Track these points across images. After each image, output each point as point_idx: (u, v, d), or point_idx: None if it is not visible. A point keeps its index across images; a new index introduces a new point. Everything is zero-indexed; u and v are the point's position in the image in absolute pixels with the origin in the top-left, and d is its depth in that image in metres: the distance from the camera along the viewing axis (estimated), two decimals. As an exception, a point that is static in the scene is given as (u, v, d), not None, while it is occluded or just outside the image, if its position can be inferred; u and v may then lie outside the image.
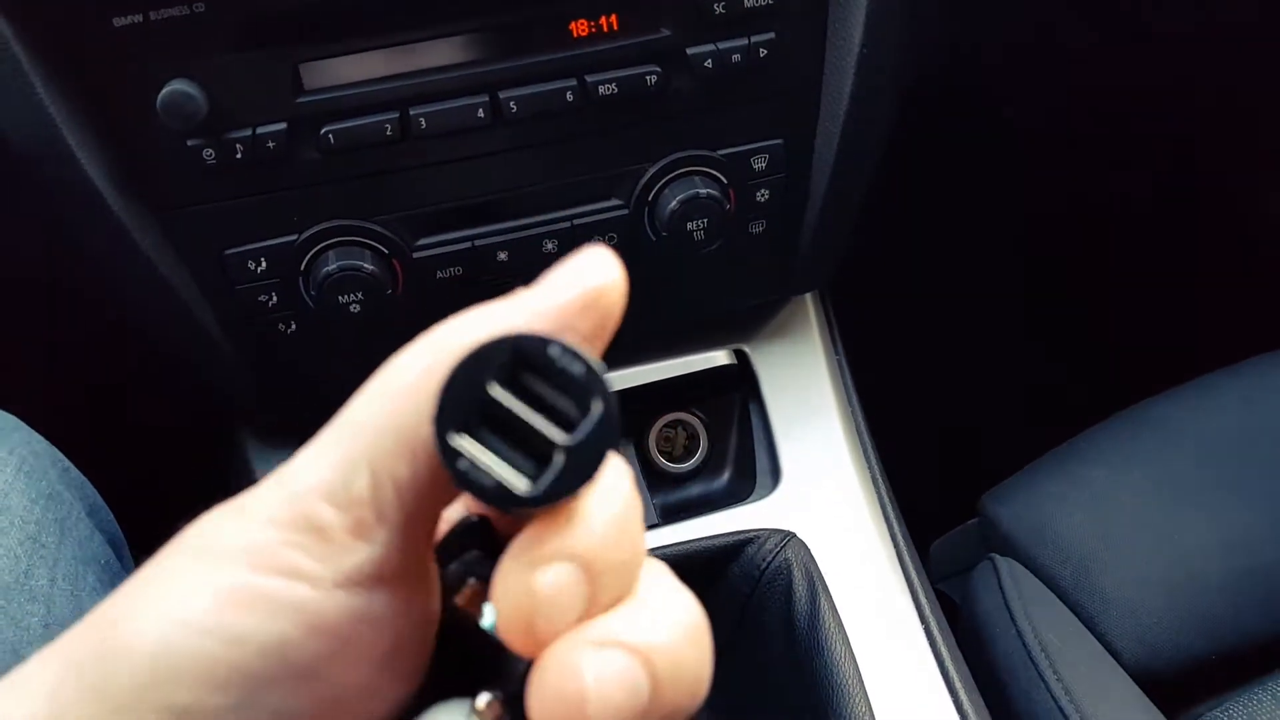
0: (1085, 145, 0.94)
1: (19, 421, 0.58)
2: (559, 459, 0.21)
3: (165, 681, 0.22)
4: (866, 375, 0.73)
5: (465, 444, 0.21)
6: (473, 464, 0.21)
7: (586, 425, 0.21)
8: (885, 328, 0.95)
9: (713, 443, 0.73)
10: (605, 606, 0.22)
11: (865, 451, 0.69)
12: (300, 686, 0.22)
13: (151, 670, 0.22)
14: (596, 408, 0.21)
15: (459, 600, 0.25)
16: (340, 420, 0.23)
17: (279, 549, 0.22)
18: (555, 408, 0.21)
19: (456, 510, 0.26)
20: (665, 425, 0.73)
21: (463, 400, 0.21)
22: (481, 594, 0.24)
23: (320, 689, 0.23)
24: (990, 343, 1.03)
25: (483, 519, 0.26)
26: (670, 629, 0.22)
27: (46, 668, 0.23)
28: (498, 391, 0.21)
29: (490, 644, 0.23)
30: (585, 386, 0.21)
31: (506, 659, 0.23)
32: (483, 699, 0.24)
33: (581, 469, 0.21)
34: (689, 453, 0.73)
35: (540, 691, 0.21)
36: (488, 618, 0.23)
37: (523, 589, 0.21)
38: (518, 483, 0.21)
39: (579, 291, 0.24)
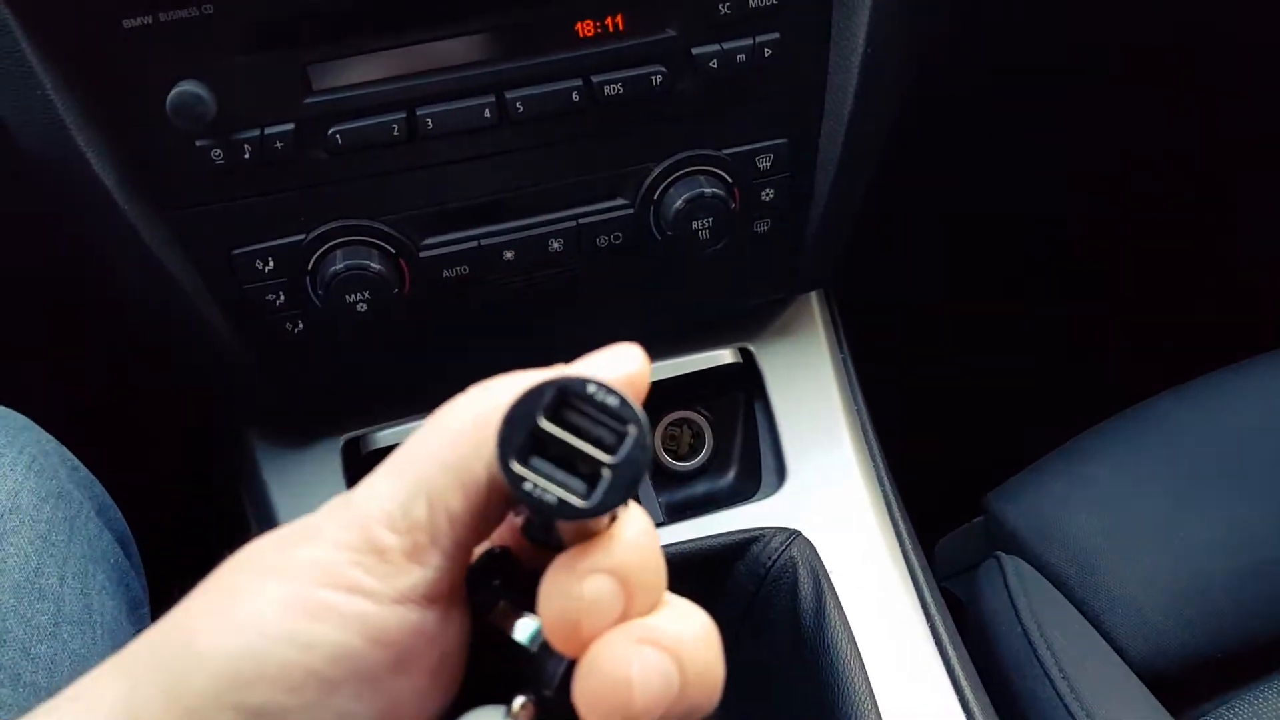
0: (1089, 144, 0.94)
1: (28, 420, 0.59)
2: (606, 474, 0.25)
3: (243, 684, 0.24)
4: (871, 372, 0.73)
5: (525, 471, 0.25)
6: (534, 484, 0.24)
7: (626, 445, 0.25)
8: (890, 325, 0.95)
9: (718, 441, 0.74)
10: (638, 615, 0.25)
11: (870, 449, 0.69)
12: (363, 691, 0.25)
13: (230, 674, 0.24)
14: (632, 430, 0.25)
15: (492, 619, 0.28)
16: (400, 455, 0.27)
17: (344, 567, 0.25)
18: (596, 435, 0.25)
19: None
20: (671, 424, 0.74)
21: (519, 434, 0.25)
22: (511, 613, 0.28)
23: (379, 695, 0.25)
24: (995, 340, 1.03)
25: (504, 550, 0.29)
26: (694, 633, 0.25)
27: (115, 678, 0.25)
28: (547, 425, 0.25)
29: (519, 656, 0.27)
30: (620, 415, 0.25)
31: (534, 668, 0.27)
32: (518, 701, 0.27)
33: (626, 482, 0.25)
34: (694, 451, 0.74)
35: (590, 680, 0.24)
36: (520, 632, 0.27)
37: (570, 595, 0.24)
38: (576, 499, 0.24)
39: (617, 375, 0.27)
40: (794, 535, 0.63)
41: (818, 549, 0.62)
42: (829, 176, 0.64)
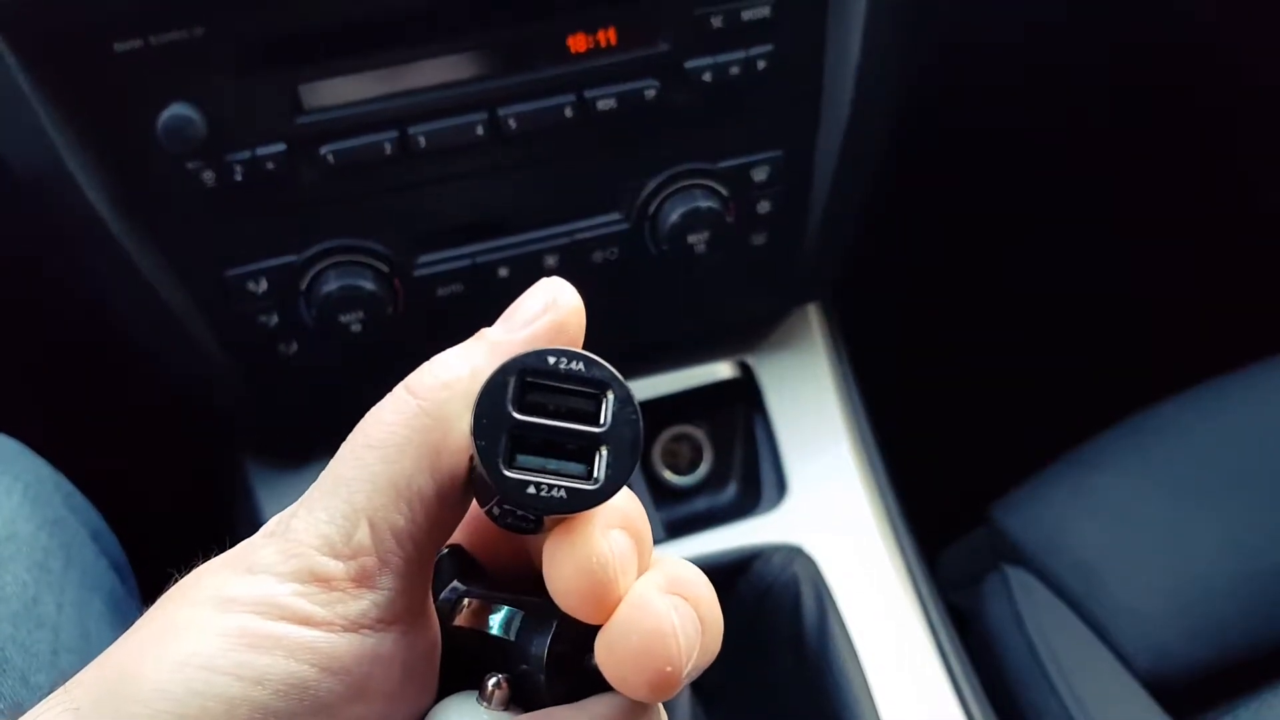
0: (1087, 146, 0.94)
1: (23, 447, 0.58)
2: (605, 449, 0.23)
3: None
4: (872, 382, 0.73)
5: (520, 474, 0.23)
6: (536, 486, 0.23)
7: (609, 410, 0.23)
8: (890, 334, 0.95)
9: (718, 456, 0.73)
10: (643, 571, 0.24)
11: (871, 461, 0.68)
12: None
13: (175, 714, 0.23)
14: (612, 392, 0.23)
15: (460, 621, 0.27)
16: (331, 476, 0.25)
17: (288, 599, 0.24)
18: (572, 407, 0.23)
19: None
20: (669, 439, 0.73)
21: (498, 439, 0.23)
22: (482, 610, 0.26)
23: None
24: (997, 347, 1.02)
25: (453, 548, 0.28)
26: (705, 584, 0.25)
27: (62, 716, 0.24)
28: (523, 418, 0.23)
29: (498, 649, 0.26)
30: (594, 378, 0.23)
31: (515, 655, 0.25)
32: (491, 681, 0.25)
33: (627, 448, 0.23)
34: (693, 466, 0.73)
35: (629, 637, 0.23)
36: (495, 624, 0.26)
37: (596, 555, 0.23)
38: (584, 485, 0.23)
39: (546, 322, 0.25)
40: (796, 552, 0.62)
41: (820, 565, 0.62)
42: (826, 188, 0.63)
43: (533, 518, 0.25)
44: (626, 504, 0.24)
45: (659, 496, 0.73)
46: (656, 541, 0.65)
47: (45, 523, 0.55)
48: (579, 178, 0.59)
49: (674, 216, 0.59)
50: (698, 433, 0.73)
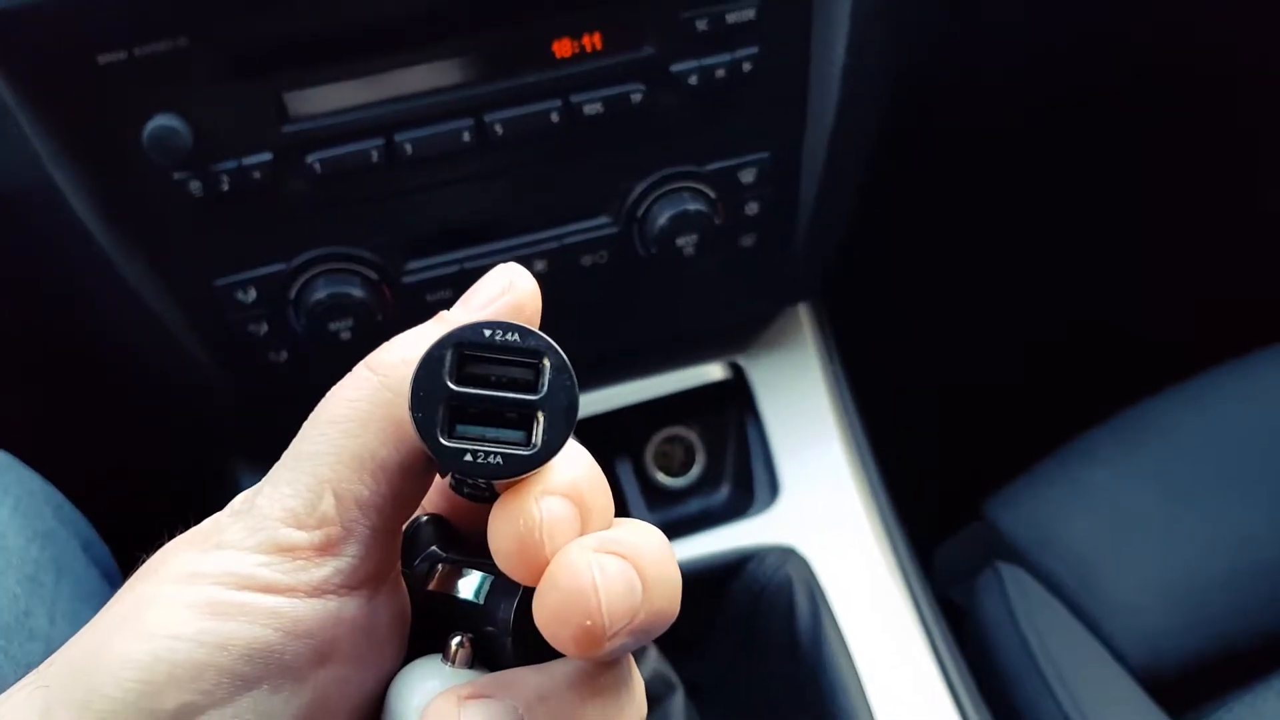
0: (1078, 143, 0.94)
1: (12, 459, 0.58)
2: (541, 415, 0.24)
3: (155, 690, 0.23)
4: (864, 380, 0.73)
5: (457, 443, 0.23)
6: (473, 454, 0.23)
7: (546, 378, 0.24)
8: (882, 332, 0.95)
9: (710, 457, 0.73)
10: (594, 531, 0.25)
11: (864, 460, 0.68)
12: (284, 685, 0.24)
13: (140, 680, 0.23)
14: (547, 361, 0.24)
15: (433, 586, 0.27)
16: (294, 453, 0.26)
17: (252, 569, 0.25)
18: (511, 378, 0.24)
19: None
20: (662, 441, 0.73)
21: (435, 409, 0.23)
22: (453, 574, 0.27)
23: (302, 688, 0.25)
24: (988, 342, 1.02)
25: (432, 516, 0.29)
26: (650, 541, 0.25)
27: (33, 695, 0.25)
28: (459, 389, 0.24)
29: (467, 614, 0.26)
30: (528, 348, 0.24)
31: (483, 618, 0.26)
32: (454, 640, 0.26)
33: (562, 415, 0.24)
34: (686, 468, 0.73)
35: (550, 593, 0.23)
36: (465, 589, 0.27)
37: (527, 517, 0.23)
38: (520, 450, 0.23)
39: (503, 304, 0.26)
40: (789, 553, 0.62)
41: (813, 566, 0.62)
42: (814, 188, 0.63)
43: (483, 486, 0.26)
44: (575, 472, 0.24)
45: (652, 498, 0.73)
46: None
47: (36, 535, 0.55)
48: (567, 182, 0.59)
49: (662, 219, 0.59)
50: (690, 434, 0.73)
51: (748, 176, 0.61)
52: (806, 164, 0.62)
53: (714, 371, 0.72)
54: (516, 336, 0.24)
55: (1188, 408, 0.74)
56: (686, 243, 0.60)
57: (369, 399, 0.25)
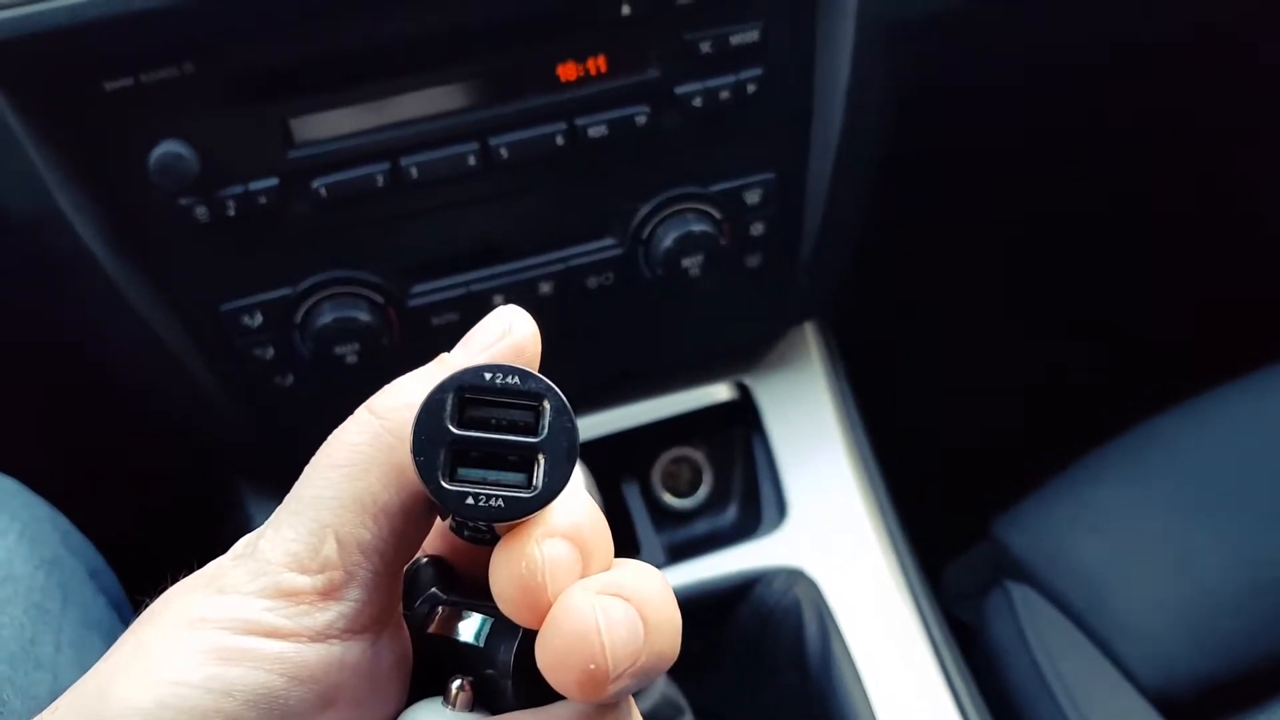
0: (1082, 160, 0.94)
1: (20, 486, 0.58)
2: (541, 457, 0.24)
3: None
4: (870, 399, 0.72)
5: (458, 486, 0.24)
6: (474, 496, 0.23)
7: (546, 420, 0.24)
8: (888, 351, 0.95)
9: (717, 477, 0.73)
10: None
11: (872, 480, 0.68)
12: None
13: None
14: (547, 404, 0.24)
15: (433, 629, 0.27)
16: (297, 496, 0.26)
17: (256, 614, 0.25)
18: (512, 420, 0.24)
19: None
20: (669, 461, 0.73)
21: (437, 454, 0.24)
22: (453, 617, 0.27)
23: None
24: (995, 365, 1.02)
25: (433, 559, 0.29)
26: (652, 583, 0.25)
27: None
28: (460, 433, 0.24)
29: (468, 657, 0.26)
30: (529, 391, 0.24)
31: (484, 661, 0.26)
32: (455, 684, 0.26)
33: (563, 458, 0.24)
34: (693, 488, 0.73)
35: (554, 637, 0.23)
36: (466, 632, 0.26)
37: (528, 559, 0.24)
38: (521, 493, 0.24)
39: (503, 347, 0.26)
40: (797, 575, 0.62)
41: (821, 588, 0.61)
42: (819, 209, 0.63)
43: (484, 528, 0.26)
44: (576, 515, 0.24)
45: (659, 520, 0.72)
46: (656, 566, 0.64)
47: (43, 562, 0.55)
48: (572, 204, 0.59)
49: (668, 240, 0.60)
50: (697, 455, 0.73)
51: (753, 197, 0.61)
52: (811, 184, 0.62)
53: (720, 391, 0.72)
54: (517, 379, 0.24)
55: (1196, 425, 0.74)
56: (692, 264, 0.60)
57: (371, 443, 0.25)
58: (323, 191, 0.55)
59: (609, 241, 0.61)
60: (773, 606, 0.62)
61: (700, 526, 0.72)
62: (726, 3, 0.55)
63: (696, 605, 0.63)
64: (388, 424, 0.25)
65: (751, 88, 0.57)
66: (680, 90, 0.57)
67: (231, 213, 0.54)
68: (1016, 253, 1.01)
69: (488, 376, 0.24)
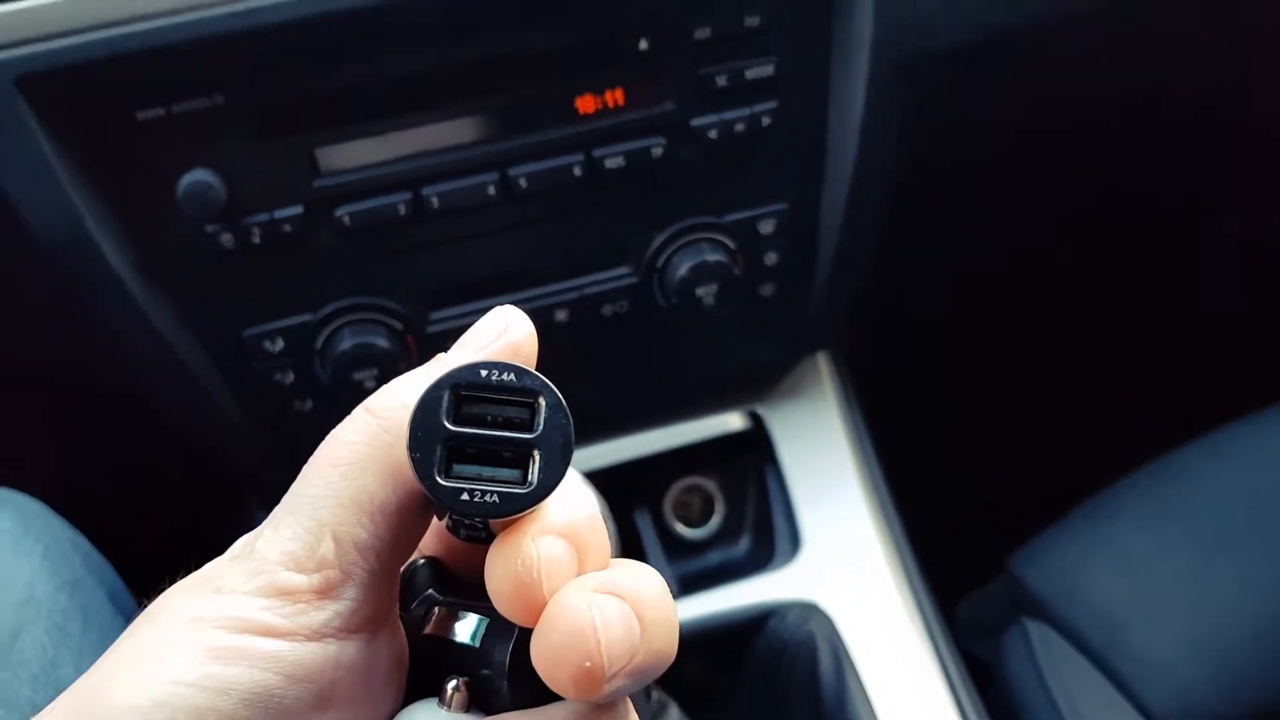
0: (1096, 190, 0.94)
1: (42, 507, 0.59)
2: (537, 454, 0.24)
3: None
4: (884, 430, 0.72)
5: (454, 483, 0.24)
6: (470, 492, 0.24)
7: (541, 417, 0.24)
8: (901, 381, 0.95)
9: (730, 507, 0.73)
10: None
11: (886, 511, 0.68)
12: None
13: None
14: (542, 400, 0.24)
15: (429, 629, 0.27)
16: (294, 496, 0.26)
17: (252, 614, 0.25)
18: (507, 417, 0.24)
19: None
20: (681, 490, 0.73)
21: (432, 450, 0.24)
22: (449, 617, 0.27)
23: None
24: (1012, 392, 1.02)
25: (429, 559, 0.29)
26: (648, 582, 0.25)
27: None
28: (456, 429, 0.24)
29: (463, 657, 0.26)
30: (524, 388, 0.24)
31: (480, 661, 0.26)
32: (450, 684, 0.26)
33: (558, 454, 0.24)
34: (706, 518, 0.73)
35: (549, 635, 0.23)
36: (461, 632, 0.26)
37: (524, 557, 0.24)
38: (516, 489, 0.24)
39: (499, 346, 0.26)
40: (811, 609, 0.62)
41: (836, 623, 0.61)
42: (833, 239, 0.64)
43: (480, 526, 0.26)
44: (572, 513, 0.24)
45: (671, 550, 0.72)
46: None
47: (64, 584, 0.55)
48: (588, 233, 0.60)
49: (682, 270, 0.60)
50: (709, 484, 0.73)
51: (767, 227, 0.62)
52: (825, 215, 0.63)
53: (733, 421, 0.72)
54: (512, 376, 0.24)
55: (1212, 460, 0.73)
56: (706, 293, 0.61)
57: (368, 442, 0.25)
58: (346, 220, 0.56)
59: (624, 270, 0.62)
60: (787, 640, 0.61)
61: (713, 557, 0.72)
62: (742, 38, 0.57)
63: (711, 638, 0.63)
64: (385, 423, 0.25)
65: (766, 120, 0.58)
66: (696, 123, 0.58)
67: (257, 240, 0.55)
68: (1033, 283, 1.01)
69: (483, 373, 0.24)
